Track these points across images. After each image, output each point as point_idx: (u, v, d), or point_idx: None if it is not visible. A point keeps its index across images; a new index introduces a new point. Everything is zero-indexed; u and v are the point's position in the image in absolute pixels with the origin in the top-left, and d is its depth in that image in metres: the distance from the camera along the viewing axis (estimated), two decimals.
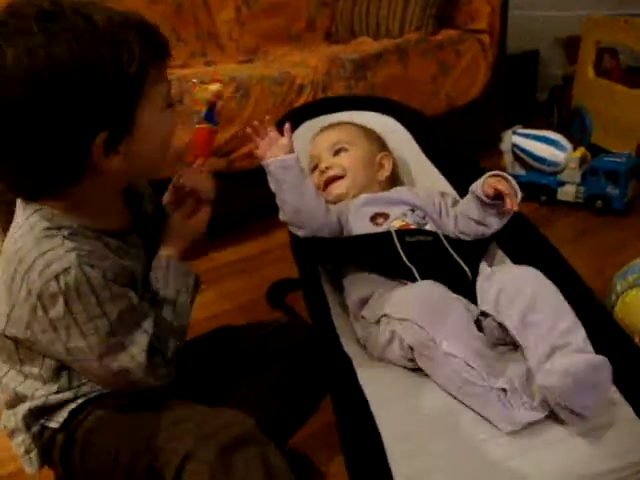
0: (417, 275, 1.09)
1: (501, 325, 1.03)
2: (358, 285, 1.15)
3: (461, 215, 1.25)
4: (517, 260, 1.22)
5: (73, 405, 0.90)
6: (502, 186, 1.14)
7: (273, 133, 1.20)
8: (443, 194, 1.32)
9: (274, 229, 1.72)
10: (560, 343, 0.91)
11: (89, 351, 0.83)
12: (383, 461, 0.87)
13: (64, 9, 0.77)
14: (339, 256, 1.19)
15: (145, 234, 0.97)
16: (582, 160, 2.04)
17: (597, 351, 1.01)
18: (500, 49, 2.51)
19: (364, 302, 1.13)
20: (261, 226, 2.00)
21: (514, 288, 1.00)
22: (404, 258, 1.12)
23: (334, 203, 1.32)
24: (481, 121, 2.57)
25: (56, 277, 0.79)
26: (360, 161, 1.36)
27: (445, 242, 1.17)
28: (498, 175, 1.20)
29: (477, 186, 1.20)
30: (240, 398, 1.06)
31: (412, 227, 1.20)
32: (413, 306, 0.98)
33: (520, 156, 2.15)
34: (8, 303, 0.84)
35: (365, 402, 0.95)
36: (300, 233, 1.20)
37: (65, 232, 0.82)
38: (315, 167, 1.38)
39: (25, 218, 0.84)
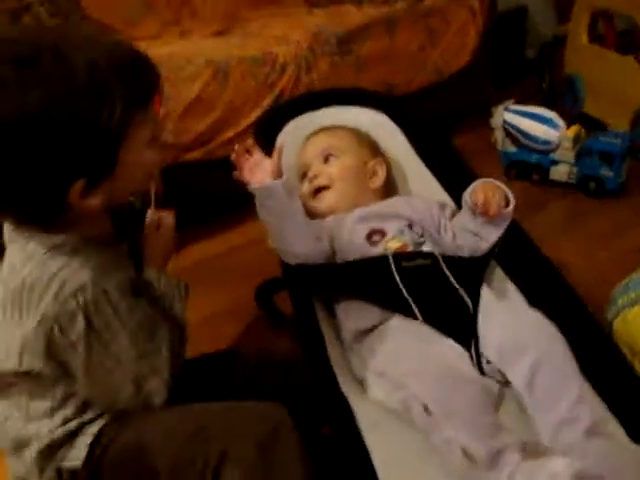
0: (416, 310, 1.04)
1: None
2: (353, 315, 1.10)
3: (459, 228, 1.19)
4: (517, 280, 1.17)
5: (88, 438, 0.89)
6: (482, 195, 1.11)
7: (257, 155, 1.12)
8: (442, 206, 1.26)
9: (253, 218, 1.66)
10: (568, 417, 0.88)
11: (110, 363, 0.84)
12: None
13: (43, 55, 0.72)
14: (333, 285, 1.13)
15: (130, 240, 0.97)
16: (576, 139, 1.97)
17: (594, 378, 0.99)
18: (490, 13, 2.39)
19: (359, 334, 1.08)
20: (243, 214, 1.92)
21: (519, 341, 0.96)
22: (402, 288, 1.07)
23: (325, 215, 1.26)
24: (470, 88, 2.47)
25: (74, 295, 0.79)
26: (351, 169, 1.28)
27: (444, 266, 1.11)
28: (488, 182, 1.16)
29: (467, 194, 1.15)
30: None
31: (409, 250, 1.14)
32: (426, 383, 0.92)
33: (511, 133, 2.07)
34: (20, 337, 0.82)
35: (365, 450, 0.92)
36: (291, 261, 1.13)
37: (67, 248, 0.81)
38: (304, 175, 1.30)
39: (20, 249, 0.83)
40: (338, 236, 1.19)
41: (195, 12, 2.29)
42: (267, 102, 1.89)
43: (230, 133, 1.86)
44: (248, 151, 1.12)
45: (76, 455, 0.89)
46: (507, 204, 1.14)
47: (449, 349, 0.99)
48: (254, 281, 1.62)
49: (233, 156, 1.09)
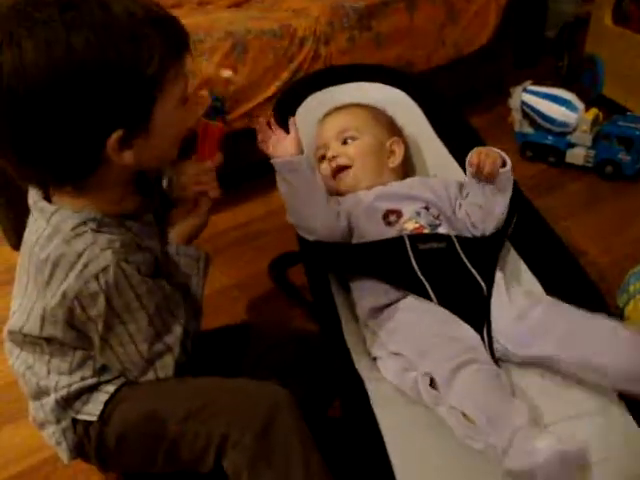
0: (430, 291, 1.05)
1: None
2: (368, 293, 1.11)
3: (470, 205, 1.20)
4: (530, 262, 1.18)
5: (105, 396, 0.93)
6: (476, 156, 1.14)
7: (279, 132, 1.12)
8: (460, 185, 1.26)
9: (274, 189, 1.67)
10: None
11: (127, 338, 0.87)
12: None
13: (85, 0, 0.74)
14: (348, 264, 1.14)
15: (156, 210, 0.98)
16: (594, 122, 1.95)
17: None
18: None
19: (374, 311, 1.09)
20: (261, 186, 1.92)
21: (537, 327, 0.99)
22: (417, 271, 1.08)
23: (344, 193, 1.27)
24: (489, 67, 2.45)
25: (96, 276, 0.81)
26: (369, 149, 1.28)
27: (459, 249, 1.12)
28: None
29: (467, 162, 1.17)
30: None
31: (425, 231, 1.15)
32: (432, 358, 0.94)
33: (529, 114, 2.06)
34: (41, 306, 0.86)
35: (378, 430, 0.94)
36: (309, 237, 1.14)
37: (92, 225, 0.83)
38: (323, 156, 1.31)
39: (46, 221, 0.84)
40: (355, 214, 1.20)
41: None
42: (285, 75, 1.88)
43: (249, 105, 1.85)
44: (270, 125, 1.13)
45: (91, 409, 0.93)
46: (503, 166, 1.16)
47: (463, 331, 1.01)
48: (271, 253, 1.63)
49: (257, 126, 1.10)
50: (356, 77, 1.49)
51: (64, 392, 0.92)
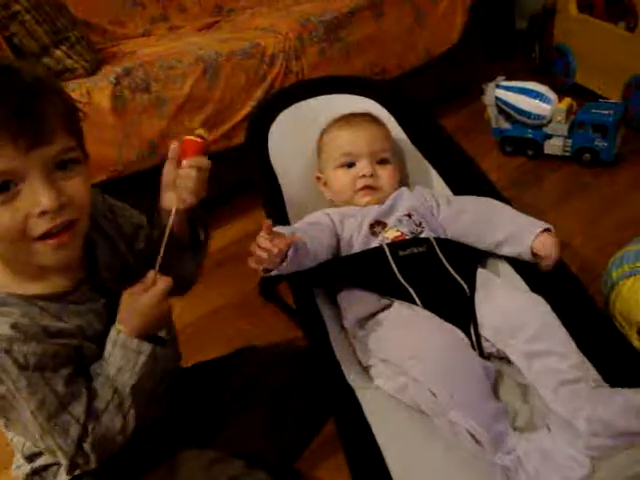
0: (415, 296, 1.06)
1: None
2: (355, 304, 1.12)
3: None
4: (511, 259, 1.19)
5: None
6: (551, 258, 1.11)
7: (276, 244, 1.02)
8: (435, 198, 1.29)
9: (254, 208, 1.66)
10: (569, 377, 0.92)
11: (17, 423, 0.81)
12: None
13: None
14: (334, 278, 1.15)
15: (101, 283, 0.89)
16: (568, 111, 1.97)
17: (590, 352, 1.01)
18: None
19: (361, 321, 1.10)
20: (244, 205, 1.95)
21: (515, 321, 0.99)
22: (399, 277, 1.09)
23: (346, 203, 1.28)
24: (462, 65, 2.47)
25: None
26: (396, 175, 1.31)
27: (439, 252, 1.14)
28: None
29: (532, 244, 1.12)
30: (235, 436, 1.05)
31: (406, 238, 1.16)
32: (427, 367, 0.94)
33: (504, 109, 2.08)
34: None
35: (373, 439, 0.95)
36: None
37: None
38: (349, 164, 1.28)
39: None
40: (348, 224, 1.20)
41: (183, 7, 2.30)
42: (259, 94, 1.90)
43: (225, 127, 1.87)
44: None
45: None
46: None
47: (450, 333, 1.02)
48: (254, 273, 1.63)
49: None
50: (325, 90, 1.51)
51: (29, 467, 0.91)
